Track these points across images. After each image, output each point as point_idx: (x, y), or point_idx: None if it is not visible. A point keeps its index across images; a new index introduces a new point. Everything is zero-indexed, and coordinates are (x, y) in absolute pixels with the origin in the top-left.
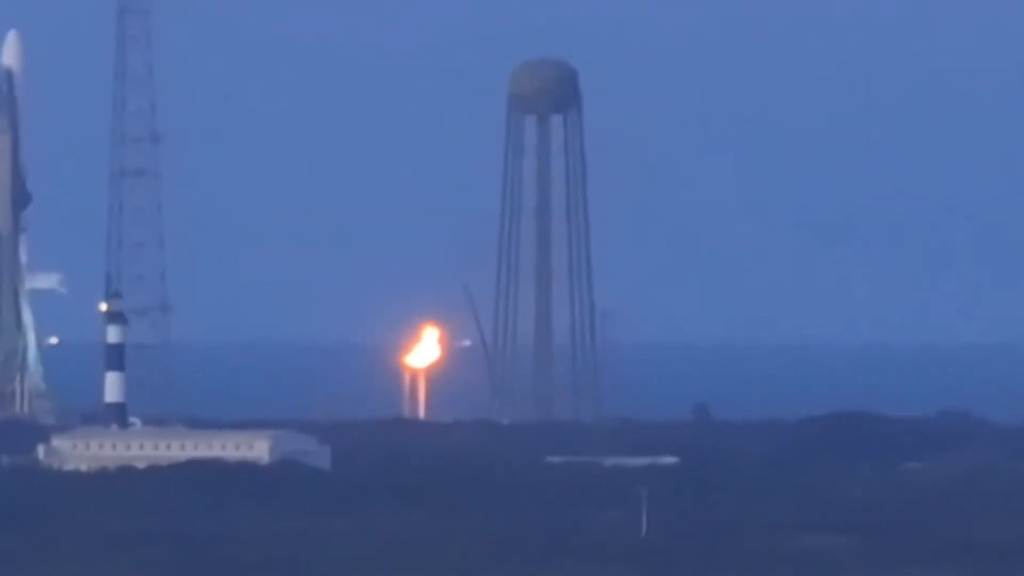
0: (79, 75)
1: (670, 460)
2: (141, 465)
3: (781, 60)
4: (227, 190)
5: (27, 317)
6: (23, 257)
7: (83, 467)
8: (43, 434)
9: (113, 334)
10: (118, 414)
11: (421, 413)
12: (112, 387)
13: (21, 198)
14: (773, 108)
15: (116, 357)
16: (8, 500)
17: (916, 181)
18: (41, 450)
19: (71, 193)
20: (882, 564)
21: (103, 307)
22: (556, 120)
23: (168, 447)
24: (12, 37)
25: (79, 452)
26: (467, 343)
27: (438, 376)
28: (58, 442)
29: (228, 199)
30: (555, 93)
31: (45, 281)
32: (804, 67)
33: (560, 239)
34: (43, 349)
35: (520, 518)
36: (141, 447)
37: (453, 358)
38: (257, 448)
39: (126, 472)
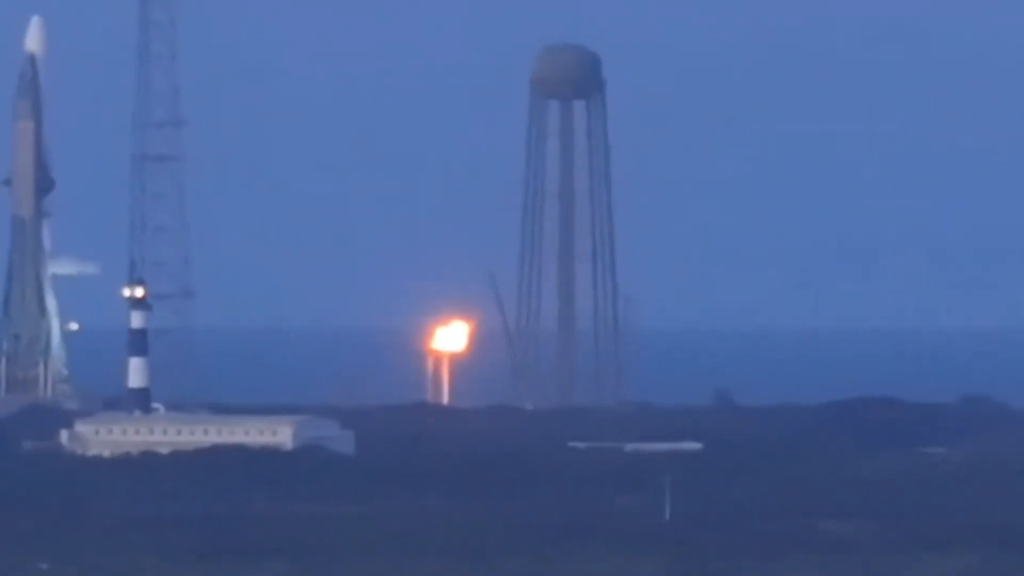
0: (102, 60)
1: (694, 446)
2: (164, 451)
3: (801, 47)
4: (250, 175)
5: (50, 303)
6: (46, 242)
7: (106, 453)
8: (66, 419)
9: (136, 320)
10: (142, 399)
11: (444, 398)
12: (136, 373)
13: (44, 183)
14: (794, 94)
15: (140, 343)
16: (31, 485)
17: (932, 172)
18: (64, 435)
19: (94, 178)
20: (902, 549)
21: (127, 293)
22: (579, 105)
23: (191, 433)
24: (35, 23)
25: (102, 438)
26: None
27: (461, 361)
28: (81, 427)
29: (251, 183)
30: (578, 79)
31: (71, 267)
32: (823, 55)
33: (583, 223)
34: (66, 336)
35: (543, 503)
36: (164, 433)
37: (476, 343)
38: (280, 434)
39: (149, 458)
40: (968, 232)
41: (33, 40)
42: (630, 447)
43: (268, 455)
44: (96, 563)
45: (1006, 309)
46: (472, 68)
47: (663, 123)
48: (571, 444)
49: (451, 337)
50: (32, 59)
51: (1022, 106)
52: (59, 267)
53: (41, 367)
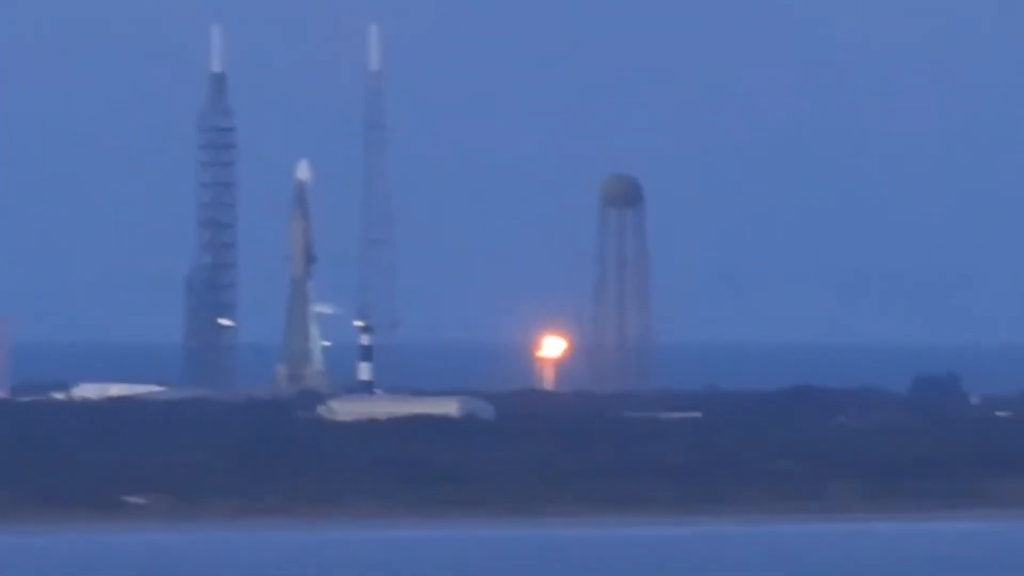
0: (340, 177)
1: (696, 415)
2: (383, 417)
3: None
4: (436, 246)
5: (313, 329)
6: (311, 293)
7: (348, 419)
8: (323, 399)
9: (364, 339)
10: (368, 387)
11: (548, 386)
12: (364, 371)
13: (310, 258)
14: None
15: (366, 353)
16: (301, 440)
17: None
18: (323, 409)
19: (341, 254)
20: (820, 478)
21: (358, 323)
22: (629, 212)
23: (398, 407)
24: (304, 163)
25: (346, 409)
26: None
27: (559, 362)
28: (333, 403)
29: (439, 252)
30: (627, 195)
31: (327, 308)
32: (817, 171)
33: (631, 280)
34: (323, 349)
35: (608, 450)
36: (382, 407)
37: (568, 352)
38: (450, 407)
39: (374, 422)
40: (866, 269)
41: (302, 172)
42: (661, 416)
43: (443, 420)
44: (341, 482)
45: (893, 329)
46: (572, 187)
47: (681, 220)
48: (625, 414)
49: (552, 347)
50: (302, 184)
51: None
52: (320, 308)
53: (308, 367)
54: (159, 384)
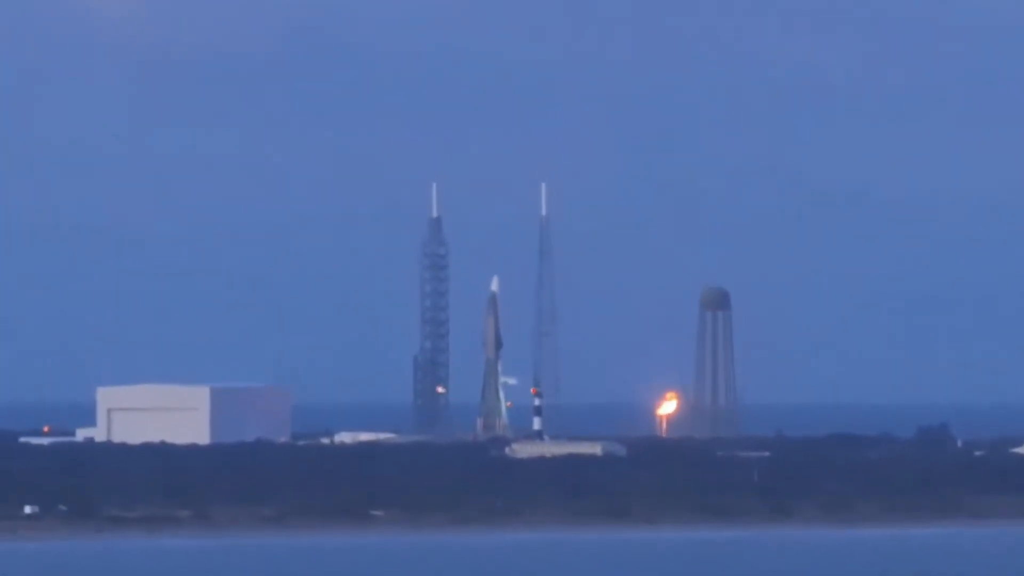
0: (520, 287)
1: (765, 453)
2: (549, 456)
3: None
4: (587, 337)
5: (501, 395)
6: (500, 368)
7: (525, 456)
8: (508, 442)
9: (536, 401)
10: (539, 435)
11: (663, 433)
12: (536, 423)
13: (498, 344)
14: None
15: (538, 411)
16: (494, 472)
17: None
18: (508, 449)
19: (516, 342)
20: (856, 496)
21: (532, 391)
22: (722, 313)
23: (560, 448)
24: (495, 280)
25: (524, 450)
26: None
27: (671, 417)
28: (515, 446)
29: (587, 341)
30: (719, 301)
31: (512, 379)
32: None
33: (720, 361)
34: (508, 408)
35: (705, 475)
36: (549, 447)
37: (678, 409)
38: (596, 448)
39: (544, 458)
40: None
41: (494, 284)
42: (742, 454)
43: (591, 456)
44: (521, 500)
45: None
46: (681, 294)
47: (761, 322)
48: (719, 453)
49: (667, 406)
50: (494, 293)
51: None
52: (505, 379)
53: (497, 421)
54: (395, 432)
